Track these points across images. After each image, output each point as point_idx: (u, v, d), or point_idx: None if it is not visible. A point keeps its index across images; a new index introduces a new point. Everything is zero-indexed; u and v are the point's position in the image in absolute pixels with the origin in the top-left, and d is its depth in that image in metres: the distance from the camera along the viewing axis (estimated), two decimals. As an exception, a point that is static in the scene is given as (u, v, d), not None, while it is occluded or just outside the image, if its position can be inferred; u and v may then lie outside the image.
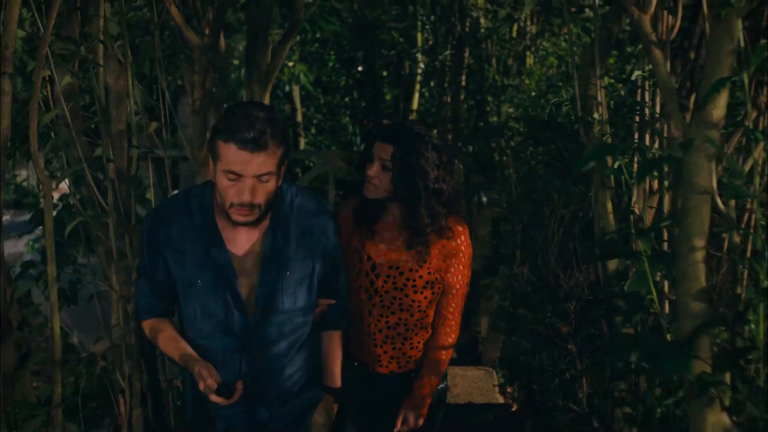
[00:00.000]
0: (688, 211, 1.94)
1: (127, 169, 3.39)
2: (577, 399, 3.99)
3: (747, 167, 2.23)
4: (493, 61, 9.14)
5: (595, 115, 3.17)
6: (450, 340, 3.33)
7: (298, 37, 10.03)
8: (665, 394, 2.55)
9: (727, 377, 2.09)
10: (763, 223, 2.15)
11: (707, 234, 1.95)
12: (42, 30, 2.79)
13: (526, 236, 5.23)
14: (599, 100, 3.19)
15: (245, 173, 2.55)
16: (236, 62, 9.58)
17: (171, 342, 2.84)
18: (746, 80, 1.92)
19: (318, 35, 12.45)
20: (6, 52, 2.67)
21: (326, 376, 3.01)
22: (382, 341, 3.29)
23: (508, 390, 5.97)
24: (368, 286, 3.26)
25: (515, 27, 6.42)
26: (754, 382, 2.02)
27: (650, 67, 2.87)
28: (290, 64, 11.30)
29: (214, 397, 2.59)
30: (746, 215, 2.77)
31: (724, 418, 1.93)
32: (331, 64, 13.24)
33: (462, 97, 9.78)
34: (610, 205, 3.24)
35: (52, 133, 3.27)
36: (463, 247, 3.25)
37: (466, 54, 9.48)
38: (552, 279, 4.45)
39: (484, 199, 6.83)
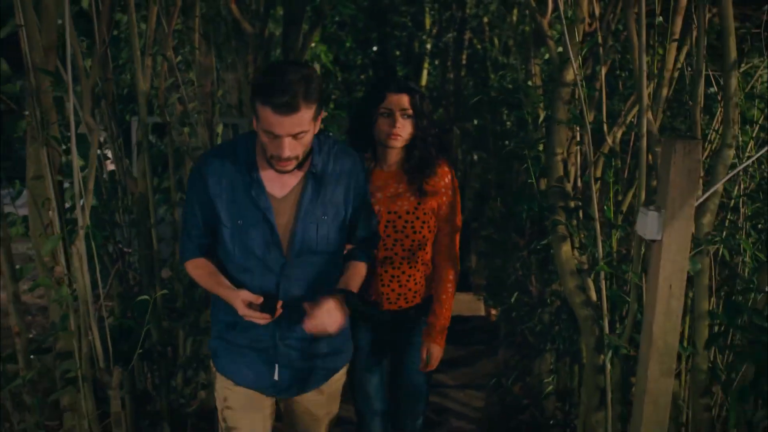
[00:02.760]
0: (553, 132, 3.39)
1: (211, 120, 4.78)
2: (528, 291, 5.28)
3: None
4: (496, 41, 9.92)
5: (529, 83, 4.53)
6: (453, 273, 3.51)
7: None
8: None
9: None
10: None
11: (564, 146, 3.40)
12: (165, 27, 4.08)
13: (500, 180, 6.45)
14: (533, 72, 4.60)
15: (281, 133, 2.66)
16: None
17: (212, 277, 2.92)
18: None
19: (336, 18, 12.57)
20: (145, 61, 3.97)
21: (341, 282, 2.99)
22: (389, 281, 3.43)
23: (492, 312, 7.30)
24: None
25: (515, 11, 7.16)
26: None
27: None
28: (312, 44, 12.14)
29: (257, 315, 2.72)
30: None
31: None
32: (348, 44, 13.46)
33: (462, 74, 10.83)
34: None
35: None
36: (451, 185, 3.43)
37: (467, 36, 10.52)
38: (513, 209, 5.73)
39: (475, 157, 8.28)
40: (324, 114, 2.81)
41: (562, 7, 3.23)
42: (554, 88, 3.39)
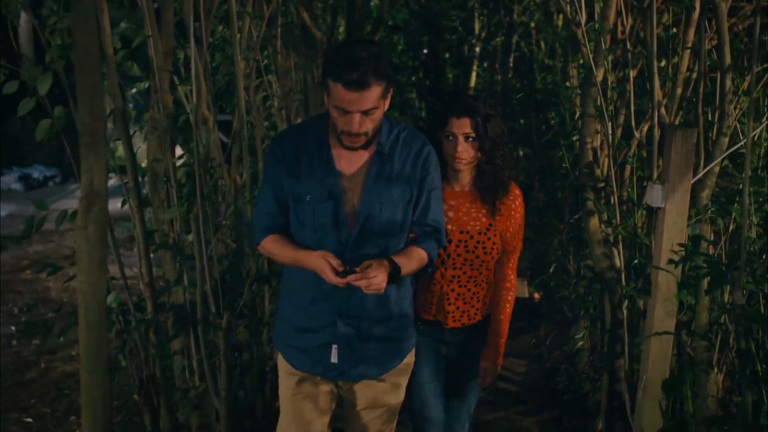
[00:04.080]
0: (584, 124, 4.03)
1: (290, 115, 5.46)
2: (566, 269, 5.92)
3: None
4: (542, 44, 10.34)
5: (567, 83, 5.16)
6: (512, 295, 3.57)
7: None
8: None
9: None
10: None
11: (593, 136, 4.04)
12: (254, 35, 4.79)
13: (542, 172, 7.08)
14: (571, 74, 5.24)
15: (352, 109, 2.73)
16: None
17: (288, 247, 2.99)
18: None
19: (389, 23, 12.64)
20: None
21: (395, 255, 2.96)
22: (455, 299, 3.45)
23: (536, 295, 7.92)
24: (441, 252, 3.38)
25: (560, 17, 7.42)
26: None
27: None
28: (367, 48, 12.59)
29: (333, 278, 2.73)
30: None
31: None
32: (400, 47, 13.65)
33: (510, 75, 11.32)
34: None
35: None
36: (520, 208, 3.48)
37: (514, 40, 11.00)
38: (555, 198, 6.37)
39: (521, 153, 8.91)
40: (391, 91, 2.85)
41: (584, 19, 3.88)
42: (587, 87, 4.02)
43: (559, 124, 5.58)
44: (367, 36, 7.22)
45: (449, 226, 3.36)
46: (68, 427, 5.13)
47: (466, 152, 3.29)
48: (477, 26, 12.33)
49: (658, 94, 3.48)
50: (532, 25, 10.09)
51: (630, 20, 4.07)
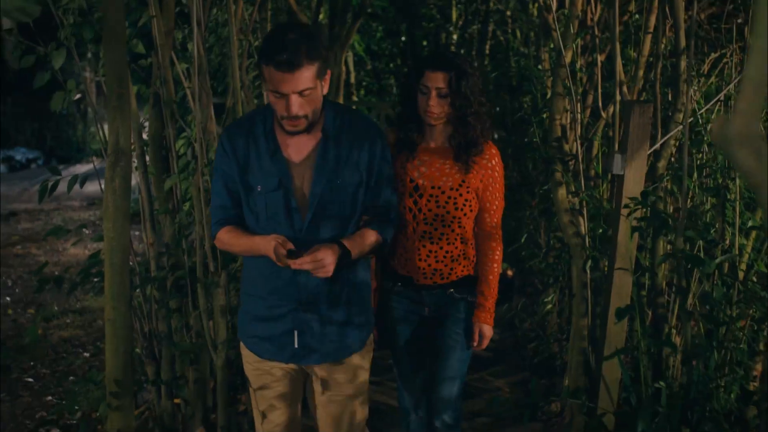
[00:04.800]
0: (553, 102, 4.38)
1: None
2: (537, 242, 6.28)
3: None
4: (518, 33, 10.61)
5: (539, 67, 5.51)
6: (499, 252, 3.55)
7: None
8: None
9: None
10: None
11: (561, 113, 4.39)
12: (247, 19, 5.10)
13: (515, 152, 7.43)
14: (543, 59, 5.58)
15: (287, 90, 2.72)
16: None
17: (242, 236, 2.99)
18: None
19: (369, 10, 12.57)
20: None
21: (345, 239, 2.97)
22: (426, 255, 3.44)
23: (509, 272, 8.28)
24: (412, 206, 3.39)
25: (535, 5, 7.66)
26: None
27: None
28: (347, 34, 13.01)
29: (284, 259, 2.75)
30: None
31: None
32: (379, 35, 14.17)
33: (486, 62, 11.63)
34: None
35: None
36: (497, 167, 3.46)
37: (490, 28, 11.30)
38: (527, 175, 6.73)
39: (496, 135, 9.26)
40: (329, 74, 2.86)
41: (554, 5, 4.23)
42: (556, 68, 4.37)
43: (531, 104, 5.93)
44: (348, 21, 7.54)
45: (421, 181, 3.36)
46: (67, 386, 5.43)
47: (437, 107, 3.26)
48: (454, 14, 12.63)
49: (620, 74, 3.83)
50: (508, 13, 10.41)
51: (599, 8, 4.42)
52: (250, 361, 3.20)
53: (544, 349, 5.60)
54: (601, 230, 4.11)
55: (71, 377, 5.56)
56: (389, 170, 3.12)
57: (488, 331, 3.52)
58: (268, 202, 2.95)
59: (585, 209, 4.10)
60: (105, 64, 2.65)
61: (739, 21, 4.30)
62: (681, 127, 3.75)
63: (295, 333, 3.06)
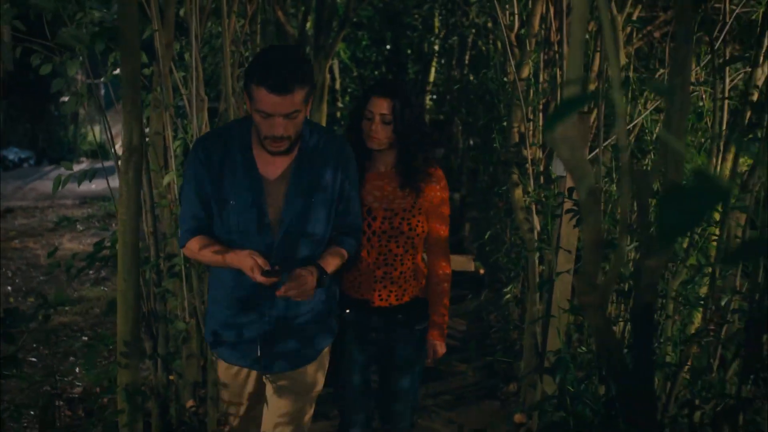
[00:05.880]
0: (511, 111, 4.90)
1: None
2: (503, 240, 6.79)
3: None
4: (498, 44, 11.05)
5: (504, 79, 6.03)
6: (448, 270, 3.66)
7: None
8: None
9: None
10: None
11: (519, 121, 4.91)
12: (238, 31, 5.61)
13: (485, 157, 7.93)
14: (509, 71, 6.10)
15: (275, 112, 2.75)
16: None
17: (214, 248, 2.99)
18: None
19: (354, 19, 12.70)
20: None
21: (319, 259, 3.06)
22: (381, 277, 3.51)
23: (481, 271, 8.80)
24: (366, 229, 3.45)
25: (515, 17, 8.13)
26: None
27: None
28: (332, 42, 13.35)
29: (259, 277, 2.75)
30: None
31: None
32: (364, 42, 14.49)
33: (466, 72, 12.13)
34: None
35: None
36: (444, 189, 3.55)
37: (470, 39, 11.77)
38: (496, 178, 7.24)
39: (471, 142, 9.81)
40: (312, 99, 2.91)
41: (516, 24, 4.76)
42: (516, 82, 4.90)
43: (493, 112, 6.47)
44: (334, 31, 8.04)
45: (374, 205, 3.43)
46: (68, 365, 5.91)
47: (379, 132, 3.34)
48: (437, 24, 13.12)
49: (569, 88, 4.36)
50: (489, 25, 10.90)
51: (555, 24, 4.94)
52: (219, 362, 3.36)
53: (505, 336, 6.11)
54: (549, 226, 4.63)
55: (71, 357, 6.04)
56: (357, 191, 3.24)
57: (441, 348, 3.64)
58: (240, 217, 2.98)
59: (534, 208, 4.62)
60: (121, 74, 3.14)
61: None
62: (614, 137, 4.27)
63: (259, 342, 3.15)
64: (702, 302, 3.17)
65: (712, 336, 2.94)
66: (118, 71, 5.77)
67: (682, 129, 2.31)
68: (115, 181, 11.96)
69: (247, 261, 2.80)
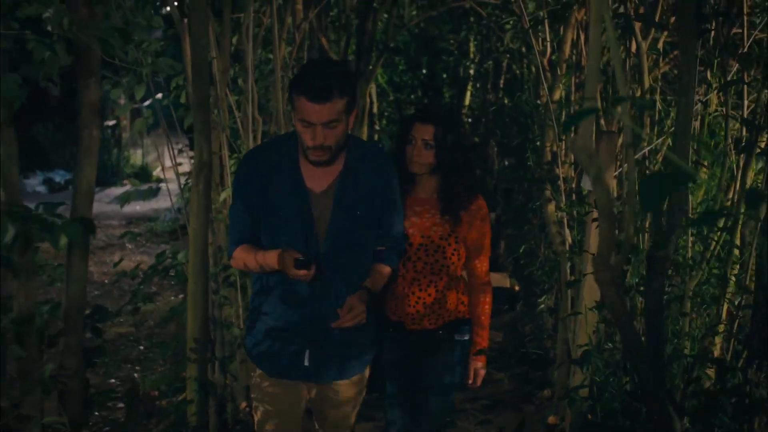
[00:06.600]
0: (544, 132, 5.22)
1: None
2: (537, 254, 7.08)
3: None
4: (533, 68, 11.27)
5: (538, 102, 6.36)
6: (489, 297, 3.71)
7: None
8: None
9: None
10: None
11: (551, 141, 5.24)
12: (287, 58, 5.99)
13: (519, 177, 8.24)
14: (542, 94, 6.44)
15: (315, 121, 2.79)
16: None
17: (255, 254, 3.06)
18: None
19: (391, 45, 13.32)
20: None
21: (367, 281, 3.11)
22: (415, 302, 3.55)
23: (516, 288, 9.09)
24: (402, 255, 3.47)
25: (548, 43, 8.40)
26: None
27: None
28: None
29: (294, 271, 2.82)
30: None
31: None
32: (400, 67, 14.60)
33: (501, 95, 12.38)
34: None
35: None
36: (485, 217, 3.60)
37: (504, 63, 12.05)
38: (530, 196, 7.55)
39: (506, 162, 10.13)
40: (356, 111, 2.96)
41: (548, 51, 5.10)
42: (548, 103, 5.22)
43: (527, 133, 6.80)
44: (373, 57, 8.39)
45: (411, 230, 3.48)
46: (126, 371, 6.29)
47: (421, 157, 3.41)
48: (471, 49, 13.42)
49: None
50: (523, 50, 11.19)
51: (585, 50, 5.26)
52: (258, 375, 3.29)
53: (539, 345, 6.40)
54: (579, 237, 4.93)
55: (128, 365, 6.43)
56: (400, 204, 3.28)
57: (482, 369, 3.71)
58: (287, 229, 3.04)
59: (566, 221, 4.93)
60: (192, 98, 3.50)
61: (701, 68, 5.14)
62: (638, 155, 4.59)
63: (307, 352, 3.17)
64: (715, 301, 3.47)
65: (725, 330, 3.24)
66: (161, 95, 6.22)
67: (687, 146, 2.65)
68: (158, 203, 12.38)
69: (281, 257, 2.90)
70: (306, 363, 3.15)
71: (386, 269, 3.22)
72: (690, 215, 4.58)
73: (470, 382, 3.71)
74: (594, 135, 4.63)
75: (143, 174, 17.60)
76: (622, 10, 4.36)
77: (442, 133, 3.38)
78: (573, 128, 5.01)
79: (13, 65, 2.73)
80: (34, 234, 2.65)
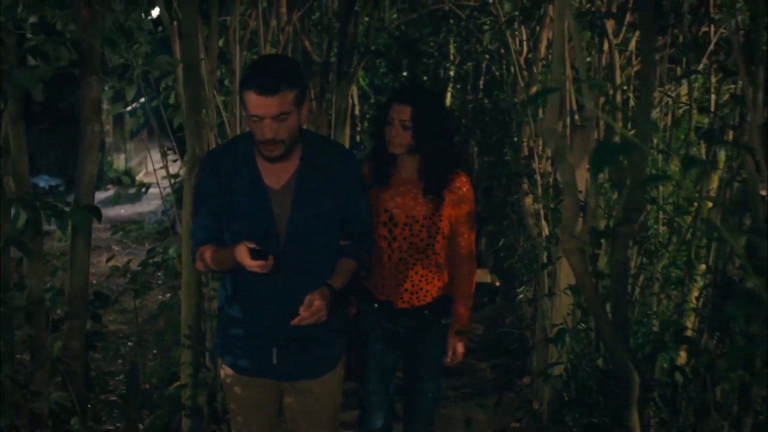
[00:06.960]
0: (521, 128, 5.43)
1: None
2: (516, 247, 7.27)
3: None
4: (512, 68, 11.39)
5: (516, 100, 6.56)
6: (474, 272, 3.74)
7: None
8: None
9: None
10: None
11: (528, 137, 5.44)
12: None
13: (498, 174, 8.42)
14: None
15: (265, 114, 2.80)
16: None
17: (216, 252, 3.08)
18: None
19: (372, 48, 13.76)
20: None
21: (331, 278, 3.08)
22: (402, 281, 3.58)
23: (497, 283, 9.28)
24: (387, 235, 3.54)
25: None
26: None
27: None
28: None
29: (250, 262, 2.81)
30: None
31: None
32: (381, 70, 14.91)
33: (480, 96, 12.57)
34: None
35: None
36: (468, 194, 3.63)
37: (484, 64, 12.22)
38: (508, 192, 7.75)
39: (485, 159, 10.33)
40: (307, 104, 2.95)
41: (525, 50, 5.30)
42: (525, 101, 5.43)
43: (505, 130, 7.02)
44: (356, 59, 8.55)
45: (396, 210, 3.52)
46: (117, 367, 6.44)
47: (398, 137, 3.43)
48: (451, 51, 13.54)
49: (572, 104, 4.88)
50: (502, 51, 11.37)
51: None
52: (228, 375, 3.30)
53: (519, 335, 6.61)
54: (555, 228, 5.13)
55: (119, 360, 6.58)
56: (364, 197, 3.25)
57: (461, 348, 3.74)
58: (247, 228, 3.04)
59: (542, 213, 5.13)
60: (185, 98, 3.67)
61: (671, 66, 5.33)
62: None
63: (274, 350, 3.15)
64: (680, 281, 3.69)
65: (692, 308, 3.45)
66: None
67: (648, 131, 2.86)
68: (143, 207, 12.42)
69: (237, 249, 2.87)
70: (274, 361, 3.16)
71: (351, 264, 3.23)
72: (662, 205, 4.81)
73: (449, 360, 3.73)
74: (568, 129, 4.85)
75: (127, 179, 17.51)
76: (593, 9, 4.55)
77: (419, 114, 3.41)
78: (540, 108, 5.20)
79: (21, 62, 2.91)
80: (46, 218, 2.84)
